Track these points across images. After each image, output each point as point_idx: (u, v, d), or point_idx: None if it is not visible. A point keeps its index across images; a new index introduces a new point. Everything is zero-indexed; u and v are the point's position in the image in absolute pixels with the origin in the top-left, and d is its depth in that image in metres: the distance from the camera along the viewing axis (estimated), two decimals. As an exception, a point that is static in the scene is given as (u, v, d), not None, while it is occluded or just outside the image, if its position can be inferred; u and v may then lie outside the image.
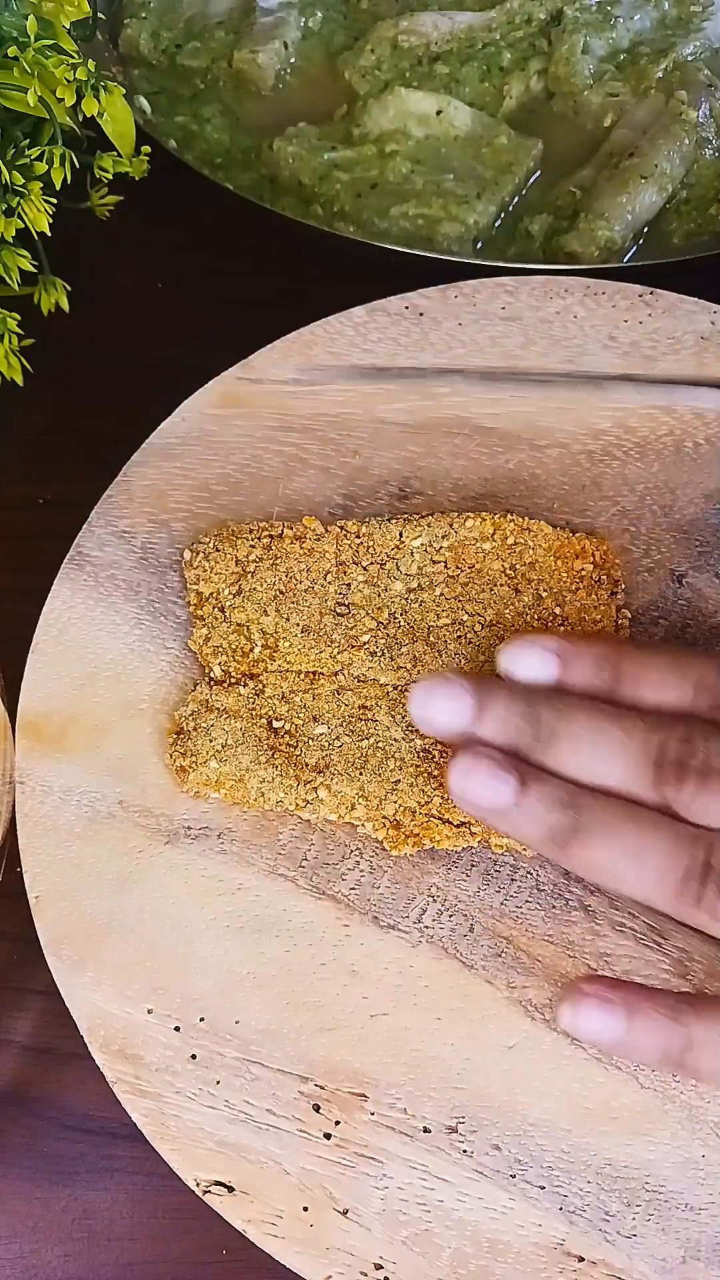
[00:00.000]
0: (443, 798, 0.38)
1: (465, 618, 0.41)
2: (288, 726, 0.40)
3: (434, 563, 0.42)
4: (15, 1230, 0.40)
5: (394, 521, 0.43)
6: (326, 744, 0.39)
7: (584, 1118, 0.35)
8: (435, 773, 0.39)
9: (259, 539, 0.43)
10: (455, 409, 0.48)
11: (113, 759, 0.41)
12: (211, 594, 0.42)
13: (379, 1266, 0.33)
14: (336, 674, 0.41)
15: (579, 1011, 0.33)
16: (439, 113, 0.62)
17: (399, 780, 0.38)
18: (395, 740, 0.39)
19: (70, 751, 0.41)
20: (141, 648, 0.43)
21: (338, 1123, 0.35)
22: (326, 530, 0.43)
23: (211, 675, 0.41)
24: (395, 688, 0.40)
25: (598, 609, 0.42)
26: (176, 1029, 0.37)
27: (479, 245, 0.59)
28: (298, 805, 0.39)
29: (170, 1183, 0.35)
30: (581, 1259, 0.33)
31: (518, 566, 0.42)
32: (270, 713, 0.40)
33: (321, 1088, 0.36)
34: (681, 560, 0.44)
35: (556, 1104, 0.35)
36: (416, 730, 0.39)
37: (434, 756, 0.39)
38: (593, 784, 0.33)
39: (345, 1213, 0.34)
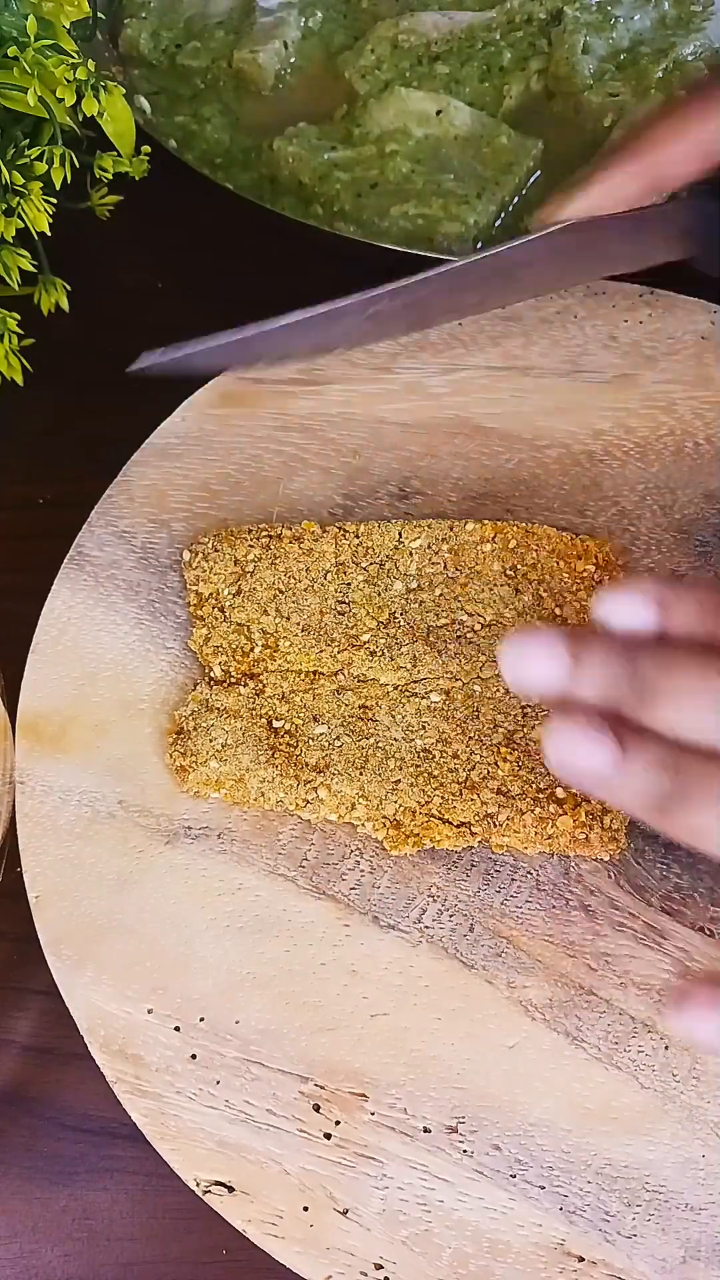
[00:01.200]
0: (442, 798, 0.38)
1: (465, 617, 0.41)
2: (288, 726, 0.40)
3: (433, 563, 0.42)
4: (15, 1230, 0.40)
5: (394, 523, 0.43)
6: (326, 744, 0.39)
7: (584, 1118, 0.35)
8: (435, 772, 0.39)
9: (258, 539, 0.43)
10: (455, 409, 0.48)
11: (113, 759, 0.41)
12: (211, 594, 0.42)
13: (379, 1266, 0.33)
14: (336, 674, 0.41)
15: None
16: (439, 112, 0.62)
17: (399, 780, 0.38)
18: (395, 740, 0.39)
19: (70, 751, 0.41)
20: (141, 648, 0.43)
21: (338, 1123, 0.35)
22: (325, 531, 0.43)
23: (211, 675, 0.41)
24: (395, 687, 0.40)
25: None
26: (176, 1029, 0.37)
27: (479, 245, 0.59)
28: (297, 805, 0.39)
29: (170, 1183, 0.35)
30: (581, 1259, 0.33)
31: (518, 567, 0.42)
32: (270, 712, 0.40)
33: (321, 1088, 0.36)
34: (681, 560, 0.44)
35: (556, 1104, 0.35)
36: (417, 730, 0.39)
37: (434, 756, 0.39)
38: (695, 743, 0.31)
39: (345, 1213, 0.34)
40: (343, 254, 0.56)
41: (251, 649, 0.41)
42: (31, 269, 0.50)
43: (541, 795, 0.38)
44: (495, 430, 0.47)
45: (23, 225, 0.48)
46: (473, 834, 0.38)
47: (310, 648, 0.41)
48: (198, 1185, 0.35)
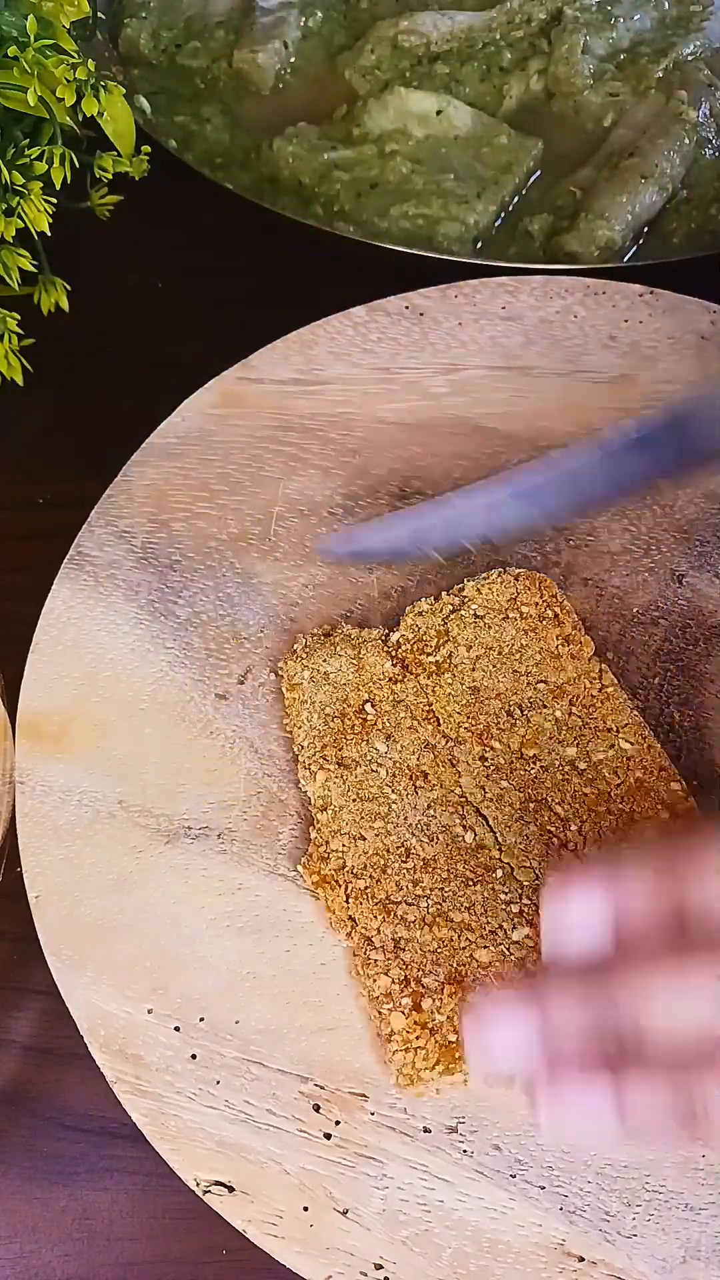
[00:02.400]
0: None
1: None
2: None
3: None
4: (15, 1230, 0.40)
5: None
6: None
7: (584, 1118, 0.35)
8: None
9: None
10: (455, 409, 0.48)
11: (113, 759, 0.41)
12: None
13: (379, 1266, 0.33)
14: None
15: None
16: (439, 112, 0.62)
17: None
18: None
19: (70, 751, 0.41)
20: (141, 647, 0.43)
21: (338, 1123, 0.35)
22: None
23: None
24: None
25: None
26: (177, 1029, 0.37)
27: (479, 245, 0.59)
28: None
29: (170, 1183, 0.35)
30: (581, 1259, 0.33)
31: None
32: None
33: (322, 1087, 0.36)
34: (681, 560, 0.44)
35: (556, 1104, 0.35)
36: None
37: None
38: (699, 1036, 0.27)
39: (345, 1213, 0.34)
40: (343, 254, 0.56)
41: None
42: (31, 269, 0.50)
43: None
44: (495, 430, 0.47)
45: (23, 225, 0.48)
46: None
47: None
48: (198, 1185, 0.35)
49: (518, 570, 0.43)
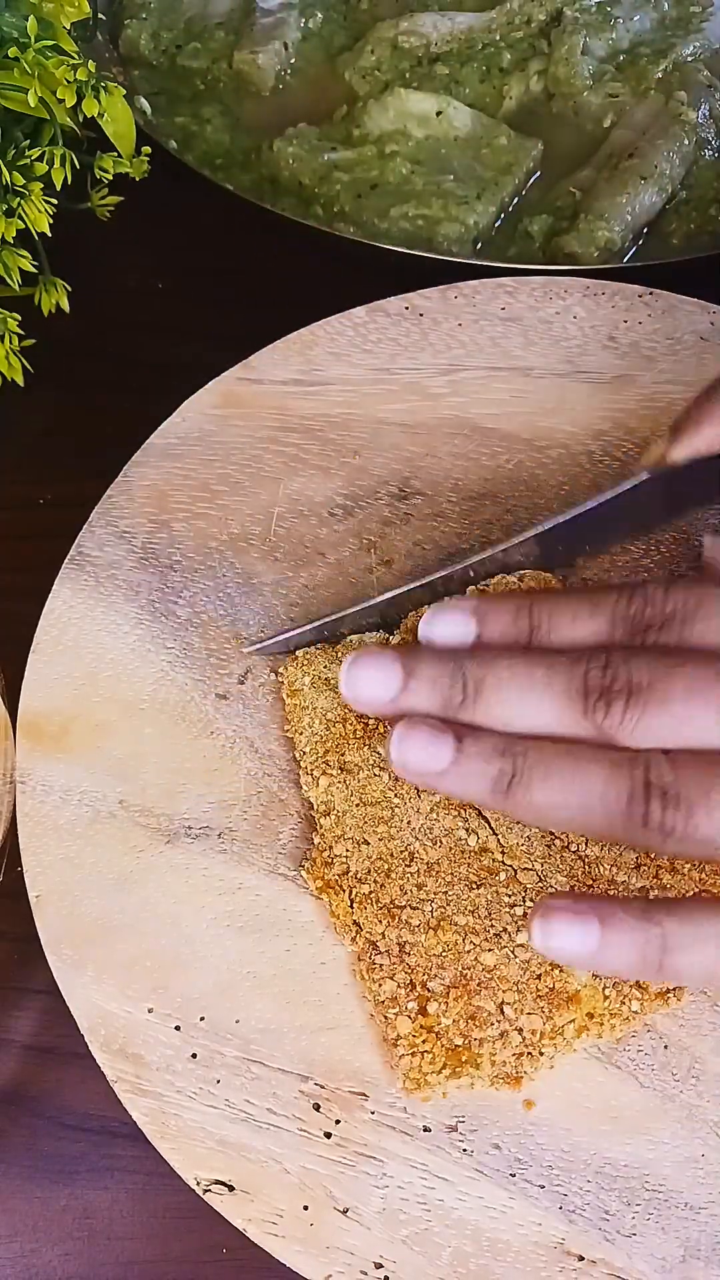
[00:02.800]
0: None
1: None
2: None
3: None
4: (15, 1230, 0.40)
5: None
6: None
7: (584, 1117, 0.35)
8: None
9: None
10: (455, 409, 0.48)
11: (113, 759, 0.41)
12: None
13: (379, 1265, 0.33)
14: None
15: (550, 927, 0.31)
16: (439, 113, 0.62)
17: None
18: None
19: (71, 751, 0.41)
20: (142, 648, 0.43)
21: (338, 1122, 0.35)
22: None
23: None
24: None
25: None
26: (177, 1028, 0.37)
27: (479, 246, 0.59)
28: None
29: (170, 1182, 0.35)
30: (581, 1258, 0.33)
31: None
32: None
33: (322, 1086, 0.36)
34: (681, 560, 0.44)
35: (556, 1103, 0.35)
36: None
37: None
38: (528, 731, 0.33)
39: (345, 1211, 0.34)
40: (343, 254, 0.56)
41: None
42: (32, 269, 0.50)
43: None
44: (495, 430, 0.47)
45: (23, 226, 0.48)
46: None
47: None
48: (198, 1184, 0.35)
49: (522, 572, 0.43)
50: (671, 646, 0.33)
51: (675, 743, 0.32)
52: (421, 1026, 0.35)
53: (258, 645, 0.43)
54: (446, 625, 0.35)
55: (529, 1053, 0.35)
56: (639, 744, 0.32)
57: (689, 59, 0.65)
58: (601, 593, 0.35)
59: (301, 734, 0.40)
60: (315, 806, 0.39)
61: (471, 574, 0.43)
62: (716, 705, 0.31)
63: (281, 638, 0.43)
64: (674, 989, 0.36)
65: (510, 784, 0.32)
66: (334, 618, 0.43)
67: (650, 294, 0.50)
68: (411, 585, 0.43)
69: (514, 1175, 0.35)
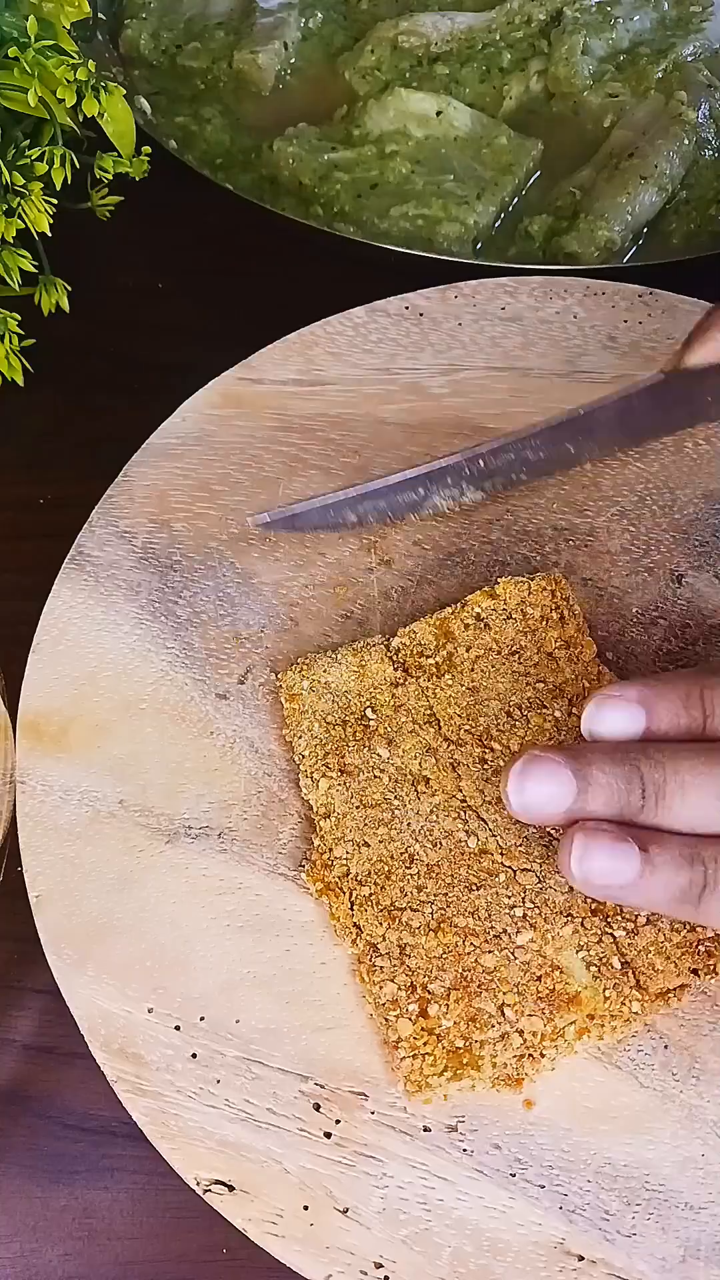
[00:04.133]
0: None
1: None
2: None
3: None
4: (15, 1230, 0.40)
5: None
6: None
7: (584, 1117, 0.35)
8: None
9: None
10: (455, 409, 0.48)
11: (113, 758, 0.41)
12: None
13: (379, 1265, 0.33)
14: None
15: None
16: (439, 113, 0.62)
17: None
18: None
19: (71, 751, 0.41)
20: (142, 647, 0.43)
21: (338, 1121, 0.35)
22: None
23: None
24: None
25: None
26: (177, 1028, 0.37)
27: (479, 246, 0.59)
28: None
29: (170, 1182, 0.35)
30: (581, 1258, 0.33)
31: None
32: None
33: (322, 1086, 0.36)
34: (681, 560, 0.44)
35: (556, 1103, 0.35)
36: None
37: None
38: (712, 831, 0.32)
39: (345, 1211, 0.34)
40: (343, 254, 0.56)
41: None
42: (32, 269, 0.50)
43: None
44: (495, 430, 0.47)
45: (23, 226, 0.48)
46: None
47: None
48: (198, 1184, 0.35)
49: (532, 574, 0.43)
50: None
51: None
52: (422, 1029, 0.35)
53: (264, 517, 0.44)
54: (615, 720, 0.33)
55: (530, 1054, 0.35)
56: None
57: (689, 59, 0.65)
58: None
59: (300, 737, 0.40)
60: (315, 809, 0.39)
61: (481, 465, 0.43)
62: None
63: (288, 513, 0.43)
64: (674, 989, 0.36)
65: (702, 895, 0.31)
66: (341, 498, 0.43)
67: (650, 294, 0.50)
68: (419, 472, 0.43)
69: (514, 1175, 0.35)
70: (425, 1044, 0.35)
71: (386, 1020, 0.36)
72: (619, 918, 0.36)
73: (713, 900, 0.31)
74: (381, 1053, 0.36)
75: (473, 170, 0.60)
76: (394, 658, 0.42)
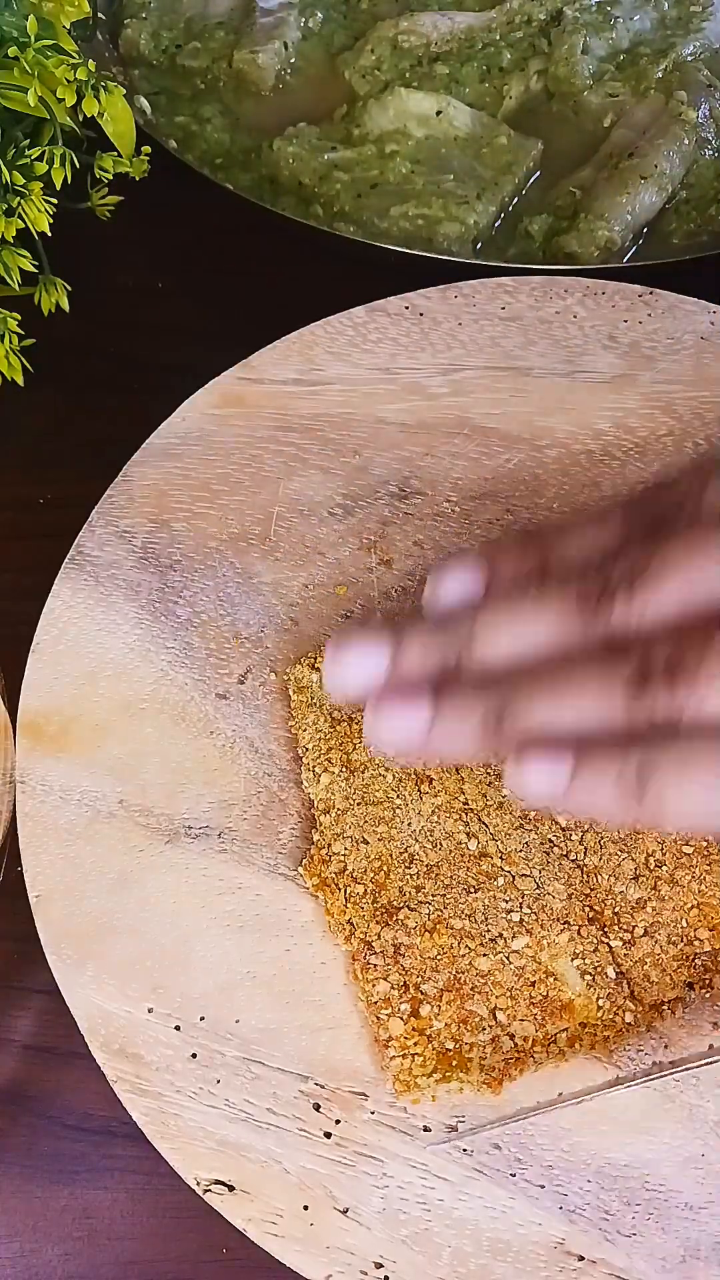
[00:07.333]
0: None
1: None
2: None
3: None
4: (15, 1230, 0.40)
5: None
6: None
7: (584, 1117, 0.35)
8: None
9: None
10: (455, 409, 0.48)
11: (113, 759, 0.41)
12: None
13: (379, 1265, 0.33)
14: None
15: (523, 766, 0.27)
16: (439, 113, 0.62)
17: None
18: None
19: (71, 751, 0.41)
20: (142, 647, 0.43)
21: (338, 1121, 0.35)
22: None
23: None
24: None
25: None
26: (177, 1028, 0.37)
27: (479, 245, 0.59)
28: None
29: (170, 1182, 0.35)
30: (581, 1258, 0.33)
31: None
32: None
33: (322, 1086, 0.36)
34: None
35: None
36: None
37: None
38: (520, 657, 0.29)
39: (345, 1211, 0.34)
40: (343, 254, 0.56)
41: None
42: (32, 269, 0.50)
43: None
44: (495, 430, 0.47)
45: (23, 225, 0.48)
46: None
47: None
48: (198, 1184, 0.35)
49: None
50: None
51: (677, 608, 0.28)
52: (413, 1029, 0.35)
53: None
54: (451, 587, 0.31)
55: (519, 1059, 0.35)
56: (644, 625, 0.28)
57: (689, 58, 0.65)
58: (598, 513, 0.31)
59: (305, 730, 0.40)
60: (315, 804, 0.39)
61: None
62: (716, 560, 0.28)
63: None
64: (669, 1000, 0.36)
65: (500, 720, 0.28)
66: None
67: (650, 294, 0.50)
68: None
69: (514, 1175, 0.35)
70: (416, 1044, 0.35)
71: (378, 1019, 0.36)
72: (616, 928, 0.36)
73: (510, 723, 0.28)
74: (374, 1048, 0.36)
75: (473, 170, 0.60)
76: None
